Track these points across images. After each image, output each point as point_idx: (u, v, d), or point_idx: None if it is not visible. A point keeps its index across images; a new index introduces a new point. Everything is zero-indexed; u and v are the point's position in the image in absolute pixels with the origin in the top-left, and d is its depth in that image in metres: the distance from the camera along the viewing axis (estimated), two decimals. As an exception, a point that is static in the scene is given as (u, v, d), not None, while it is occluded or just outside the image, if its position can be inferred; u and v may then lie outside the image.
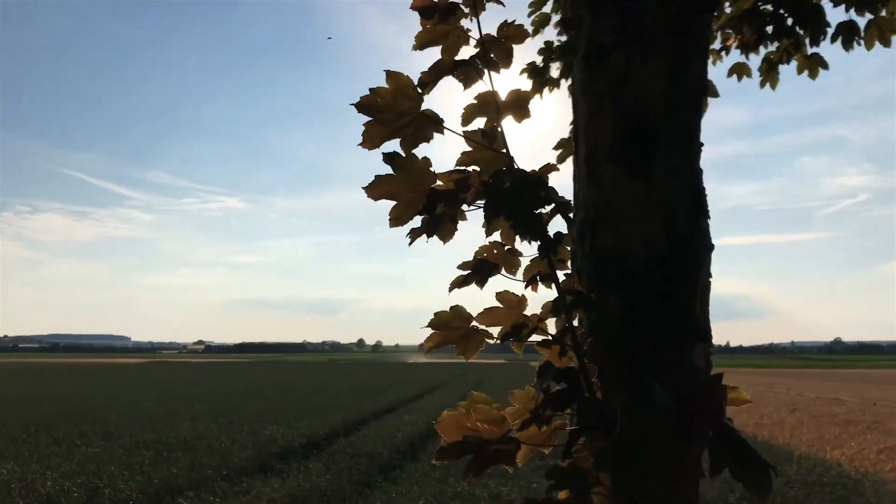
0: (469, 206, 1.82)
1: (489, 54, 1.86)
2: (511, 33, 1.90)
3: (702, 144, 1.99)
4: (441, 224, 1.79)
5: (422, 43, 1.88)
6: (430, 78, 1.74)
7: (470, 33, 1.95)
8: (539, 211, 1.67)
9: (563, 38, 4.82)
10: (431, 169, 1.69)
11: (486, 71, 1.85)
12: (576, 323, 1.74)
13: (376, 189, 1.69)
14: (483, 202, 1.75)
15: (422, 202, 1.69)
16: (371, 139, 1.76)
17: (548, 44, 4.96)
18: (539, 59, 5.33)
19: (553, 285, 1.71)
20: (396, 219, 1.71)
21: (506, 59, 1.92)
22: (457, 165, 1.87)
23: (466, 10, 1.90)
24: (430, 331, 1.69)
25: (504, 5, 1.94)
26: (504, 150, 1.80)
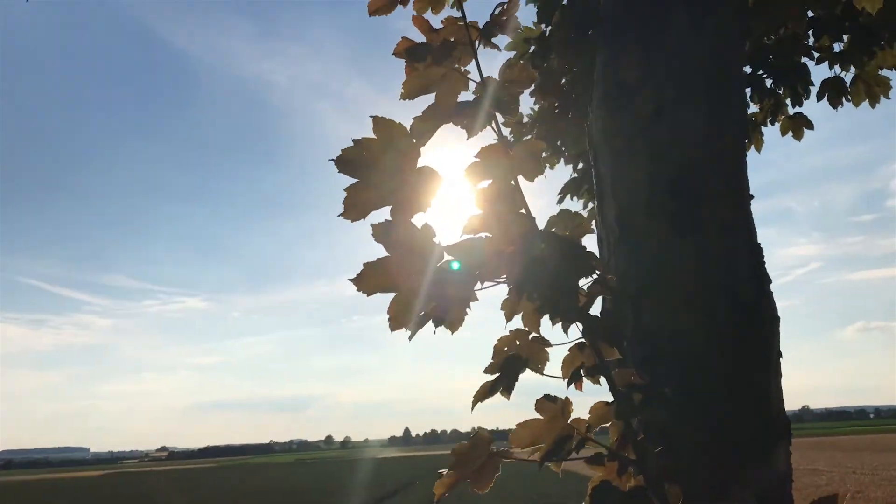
0: (483, 283, 1.43)
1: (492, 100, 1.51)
2: (516, 76, 1.56)
3: (751, 196, 1.65)
4: (449, 310, 1.39)
5: (412, 90, 1.53)
6: (427, 125, 1.37)
7: (469, 76, 1.60)
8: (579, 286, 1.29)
9: (536, 107, 4.52)
10: (436, 240, 1.31)
11: (496, 115, 1.49)
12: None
13: (368, 280, 1.30)
14: (504, 277, 1.36)
15: (423, 287, 1.29)
16: (355, 207, 1.38)
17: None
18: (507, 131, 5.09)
19: (603, 379, 1.31)
20: (398, 318, 1.31)
21: (510, 108, 1.58)
22: (464, 233, 1.48)
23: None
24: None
25: (500, 49, 1.61)
26: (524, 210, 1.42)
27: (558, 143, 4.24)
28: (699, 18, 1.63)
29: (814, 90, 4.22)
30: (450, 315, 1.41)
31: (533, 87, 4.37)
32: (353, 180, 1.39)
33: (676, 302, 1.49)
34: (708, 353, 1.48)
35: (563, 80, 4.00)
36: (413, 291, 1.33)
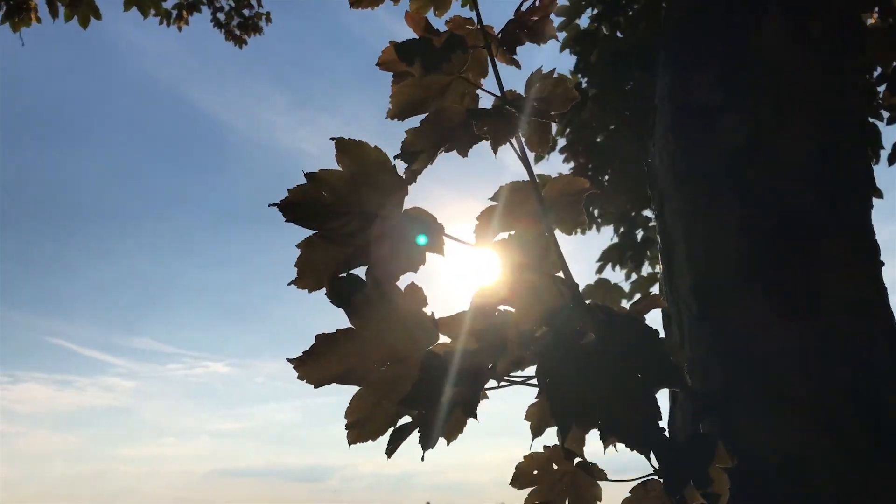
0: (500, 382, 0.98)
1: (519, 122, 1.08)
2: (550, 92, 1.12)
3: (882, 263, 1.16)
4: (449, 416, 0.94)
5: (403, 106, 1.11)
6: (423, 144, 0.95)
7: (480, 89, 1.19)
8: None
9: (570, 165, 4.02)
10: (428, 311, 0.87)
11: (521, 141, 1.06)
12: None
13: (318, 363, 0.85)
14: (531, 371, 0.92)
15: (406, 385, 0.84)
16: (313, 271, 0.95)
17: (542, 179, 4.19)
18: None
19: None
20: (361, 425, 0.85)
21: (542, 139, 1.15)
22: (473, 306, 1.04)
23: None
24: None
25: (520, 67, 1.19)
26: (562, 274, 0.97)
27: (591, 208, 3.77)
28: (801, 23, 1.20)
29: (884, 153, 3.75)
30: (446, 425, 0.95)
31: (565, 141, 3.94)
32: (308, 232, 0.96)
33: (785, 411, 1.01)
34: (837, 491, 0.98)
35: (599, 138, 3.57)
36: (387, 386, 0.89)
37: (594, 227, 4.00)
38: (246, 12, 5.58)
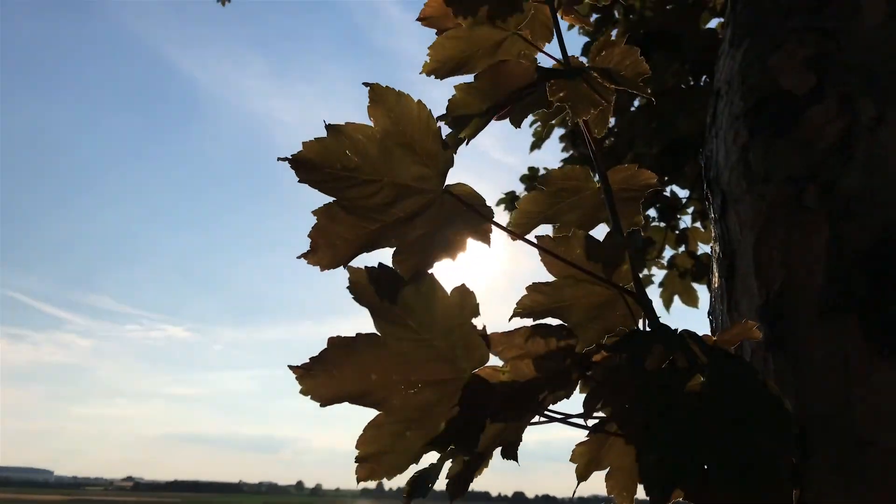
0: (541, 417, 0.79)
1: (606, 89, 0.89)
2: (617, 61, 0.93)
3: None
4: (483, 460, 0.75)
5: (445, 61, 0.90)
6: (480, 106, 0.75)
7: (539, 51, 1.00)
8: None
9: (568, 154, 3.86)
10: (477, 322, 0.67)
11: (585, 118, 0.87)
12: None
13: (329, 376, 0.65)
14: (591, 403, 0.74)
15: (439, 416, 0.64)
16: (331, 246, 0.75)
17: (532, 171, 4.01)
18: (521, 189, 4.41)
19: None
20: (375, 461, 0.65)
21: (602, 117, 0.95)
22: (515, 315, 0.86)
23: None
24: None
25: (589, 25, 0.99)
26: (632, 286, 0.78)
27: None
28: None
29: None
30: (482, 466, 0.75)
31: (563, 130, 3.74)
32: (327, 198, 0.75)
33: (875, 467, 0.84)
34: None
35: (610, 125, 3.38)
36: (415, 415, 0.68)
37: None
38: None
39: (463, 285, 0.65)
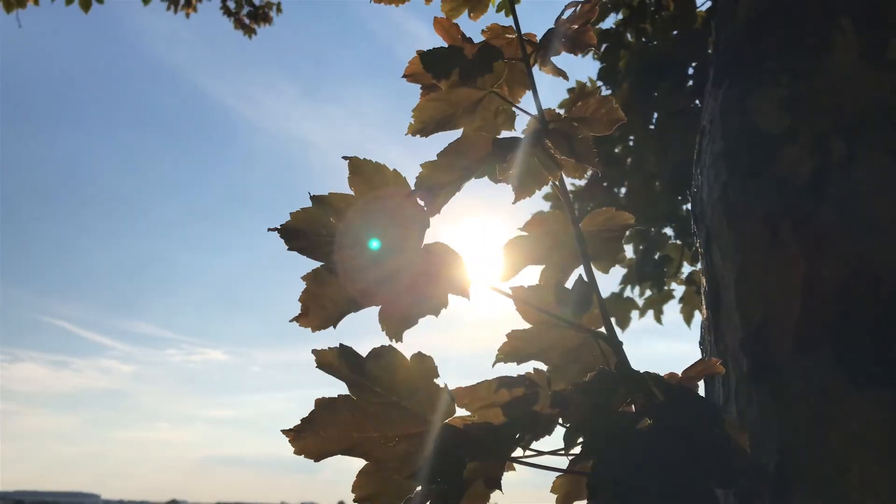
0: (525, 449, 0.84)
1: (558, 160, 0.95)
2: (592, 112, 0.98)
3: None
4: (469, 488, 0.81)
5: (427, 121, 0.97)
6: (448, 176, 0.81)
7: (515, 107, 1.06)
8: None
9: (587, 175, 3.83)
10: (439, 382, 0.73)
11: (557, 166, 0.93)
12: None
13: (318, 435, 0.72)
14: (564, 439, 0.79)
15: (419, 461, 0.70)
16: (320, 308, 0.82)
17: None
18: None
19: None
20: (368, 500, 0.71)
21: (580, 164, 1.01)
22: (498, 360, 0.91)
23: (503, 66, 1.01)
24: None
25: (566, 77, 1.04)
26: (605, 329, 0.84)
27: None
28: (878, 43, 1.06)
29: None
30: (466, 498, 0.81)
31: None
32: (315, 263, 0.83)
33: (855, 498, 0.88)
34: None
35: (617, 149, 3.41)
36: (397, 463, 0.75)
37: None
38: (256, 1, 5.43)
39: (419, 352, 0.71)
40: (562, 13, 1.00)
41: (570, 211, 0.91)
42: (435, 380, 0.70)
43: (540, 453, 0.81)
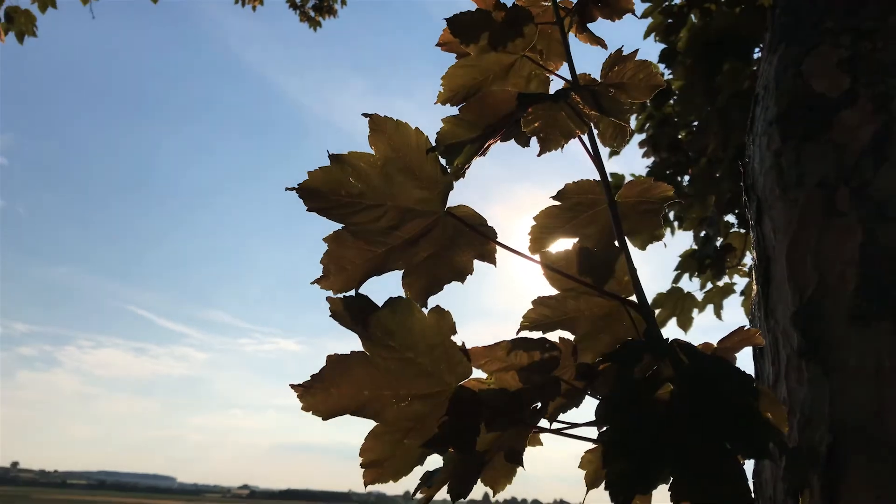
0: (552, 421, 0.81)
1: (588, 115, 0.90)
2: (630, 78, 0.94)
3: None
4: (490, 462, 0.78)
5: (456, 89, 0.95)
6: (470, 134, 0.79)
7: (549, 73, 1.02)
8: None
9: (649, 162, 3.72)
10: (457, 339, 0.71)
11: (593, 133, 0.89)
12: None
13: (328, 391, 0.70)
14: (595, 414, 0.76)
15: (432, 425, 0.68)
16: (341, 271, 0.81)
17: (616, 178, 3.86)
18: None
19: None
20: (379, 466, 0.70)
21: (618, 126, 0.97)
22: (522, 329, 0.88)
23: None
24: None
25: (604, 46, 1.00)
26: (634, 298, 0.80)
27: (668, 211, 3.48)
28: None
29: None
30: (488, 472, 0.79)
31: (644, 135, 3.64)
32: (337, 225, 0.81)
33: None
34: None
35: (681, 135, 3.29)
36: (408, 425, 0.73)
37: (668, 231, 3.72)
38: (321, -7, 5.51)
39: (438, 306, 0.68)
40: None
41: (604, 179, 0.87)
42: (452, 337, 0.67)
43: (574, 425, 0.78)
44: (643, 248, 0.97)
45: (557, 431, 0.79)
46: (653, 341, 0.71)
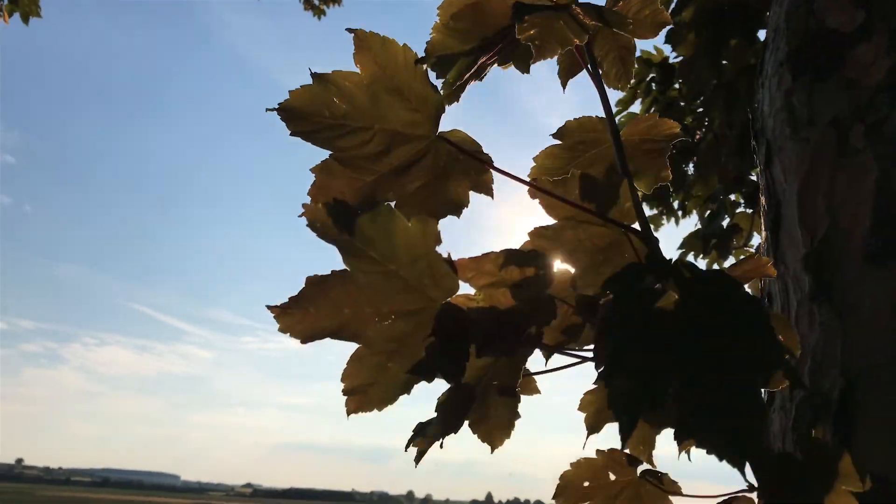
0: (549, 355, 0.77)
1: (592, 53, 0.86)
2: (636, 9, 0.90)
3: None
4: (481, 403, 0.74)
5: (453, 11, 0.90)
6: (464, 46, 0.74)
7: None
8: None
9: None
10: (441, 251, 0.67)
11: (596, 63, 0.85)
12: None
13: (306, 313, 0.66)
14: (588, 347, 0.72)
15: (417, 345, 0.64)
16: (322, 195, 0.76)
17: None
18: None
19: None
20: (361, 393, 0.66)
21: (622, 70, 0.93)
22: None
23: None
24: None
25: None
26: (637, 225, 0.75)
27: (672, 199, 3.41)
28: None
29: None
30: (481, 414, 0.75)
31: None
32: (324, 153, 0.78)
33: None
34: None
35: (688, 120, 3.23)
36: (391, 346, 0.69)
37: (673, 219, 3.66)
38: (324, -20, 5.47)
39: (421, 215, 0.64)
40: None
41: (608, 113, 0.83)
42: (438, 248, 0.63)
43: (571, 354, 0.74)
44: (648, 190, 0.92)
45: (555, 370, 0.75)
46: (655, 262, 0.67)
